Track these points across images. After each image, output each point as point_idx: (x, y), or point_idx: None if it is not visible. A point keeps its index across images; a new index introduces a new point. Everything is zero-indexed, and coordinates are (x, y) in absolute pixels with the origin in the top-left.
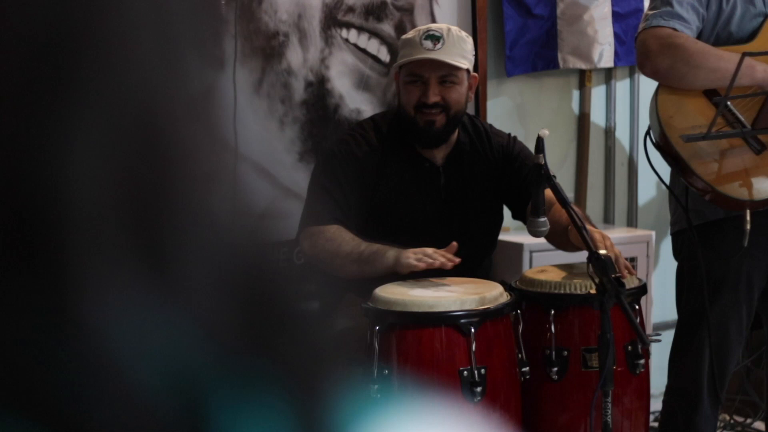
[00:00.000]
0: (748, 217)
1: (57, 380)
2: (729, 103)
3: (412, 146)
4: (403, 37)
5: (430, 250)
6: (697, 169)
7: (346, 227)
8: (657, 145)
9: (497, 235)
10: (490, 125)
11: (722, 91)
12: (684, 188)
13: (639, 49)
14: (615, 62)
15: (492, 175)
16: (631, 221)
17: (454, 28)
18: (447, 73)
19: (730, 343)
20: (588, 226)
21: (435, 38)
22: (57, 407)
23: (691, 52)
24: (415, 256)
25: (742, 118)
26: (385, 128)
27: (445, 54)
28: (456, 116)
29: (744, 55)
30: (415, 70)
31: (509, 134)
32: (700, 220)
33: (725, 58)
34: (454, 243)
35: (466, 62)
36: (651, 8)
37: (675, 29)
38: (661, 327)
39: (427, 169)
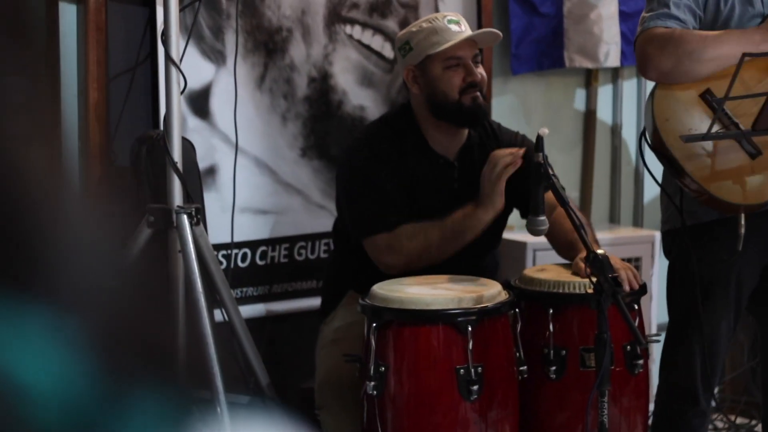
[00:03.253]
0: (743, 221)
1: None
2: (725, 107)
3: (425, 143)
4: (416, 30)
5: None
6: (692, 172)
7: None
8: (652, 147)
9: (503, 229)
10: (498, 123)
11: (721, 78)
12: (678, 188)
13: (639, 54)
14: (622, 62)
15: None
16: (637, 221)
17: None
18: (477, 51)
19: (721, 342)
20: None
21: (456, 22)
22: None
23: (691, 46)
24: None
25: (738, 122)
26: (398, 126)
27: (473, 33)
28: (485, 96)
29: (744, 55)
30: (453, 53)
31: (517, 132)
32: (693, 221)
33: (725, 41)
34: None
35: (500, 36)
36: (647, 10)
37: (671, 28)
38: (664, 327)
39: (441, 164)
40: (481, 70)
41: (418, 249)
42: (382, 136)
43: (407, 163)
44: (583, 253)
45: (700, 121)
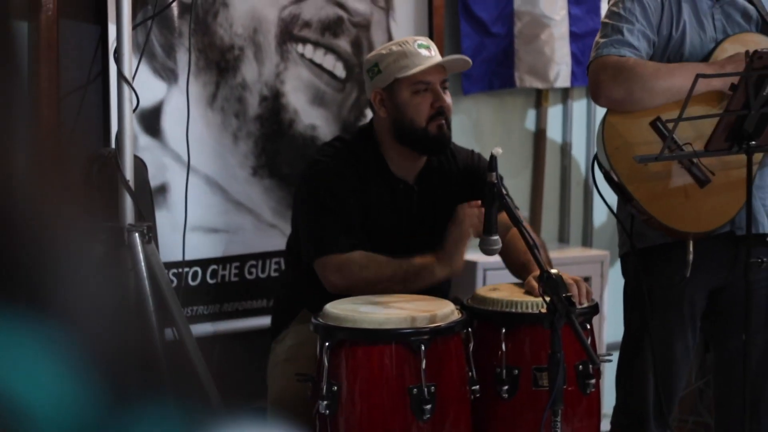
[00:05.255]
0: (691, 248)
1: None
2: (674, 135)
3: (386, 167)
4: (386, 53)
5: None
6: (640, 198)
7: (364, 248)
8: (604, 174)
9: None
10: (453, 143)
11: (672, 108)
12: (629, 213)
13: (591, 80)
14: (572, 82)
15: (459, 191)
16: (586, 241)
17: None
18: (446, 77)
19: (676, 364)
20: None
21: (426, 46)
22: None
23: (642, 77)
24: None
25: (684, 149)
26: (358, 148)
27: (443, 59)
28: (450, 123)
29: (698, 76)
30: (423, 78)
31: (473, 151)
32: (644, 244)
33: (676, 73)
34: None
35: (469, 63)
36: (602, 35)
37: (625, 56)
38: (614, 347)
39: (401, 189)
40: (447, 97)
41: (366, 280)
42: (342, 157)
43: (367, 185)
44: (537, 272)
45: (649, 149)
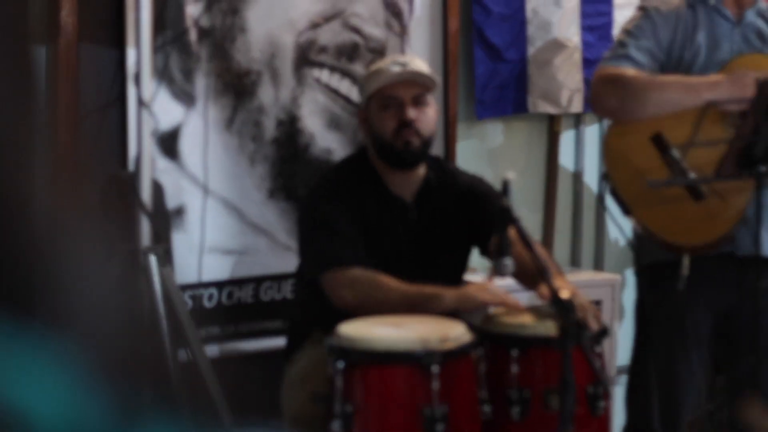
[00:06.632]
0: (686, 262)
1: None
2: (674, 151)
3: (382, 184)
4: (367, 73)
5: (495, 288)
6: (637, 212)
7: (366, 266)
8: (611, 191)
9: (463, 272)
10: (456, 167)
11: (670, 121)
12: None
13: (591, 90)
14: (584, 108)
15: (460, 212)
16: (598, 265)
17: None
18: (420, 92)
19: (681, 388)
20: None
21: (402, 63)
22: None
23: (635, 88)
24: (485, 294)
25: (686, 167)
26: (355, 169)
27: (414, 71)
28: (429, 140)
29: (709, 103)
30: (389, 93)
31: (474, 175)
32: (650, 260)
33: (669, 86)
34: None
35: (434, 81)
36: (610, 50)
37: (623, 67)
38: (626, 370)
39: (398, 206)
40: (422, 112)
41: (373, 301)
42: (340, 178)
43: (365, 204)
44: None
45: (648, 165)
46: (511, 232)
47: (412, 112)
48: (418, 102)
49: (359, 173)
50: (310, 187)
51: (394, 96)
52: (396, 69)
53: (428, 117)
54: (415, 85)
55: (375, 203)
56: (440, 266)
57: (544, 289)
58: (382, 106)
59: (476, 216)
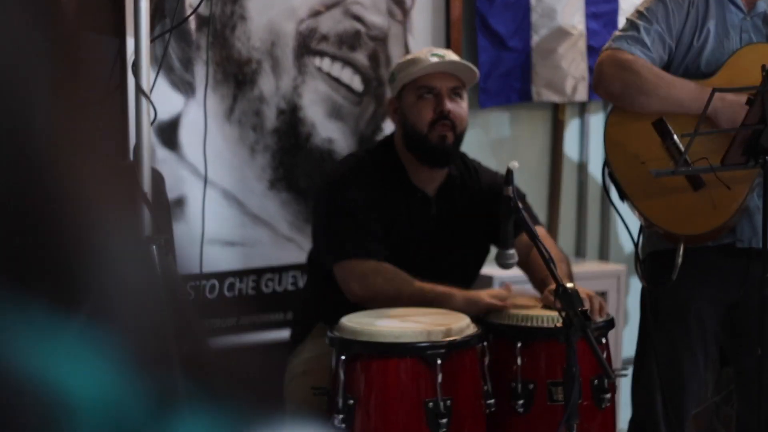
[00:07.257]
0: (681, 251)
1: None
2: (676, 138)
3: (405, 176)
4: (401, 61)
5: (504, 294)
6: (635, 199)
7: (382, 259)
8: (609, 175)
9: (479, 268)
10: (479, 162)
11: (670, 118)
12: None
13: (596, 69)
14: (589, 96)
15: (480, 209)
16: (603, 255)
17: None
18: (457, 84)
19: (685, 381)
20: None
21: (440, 55)
22: None
23: (644, 80)
24: (494, 300)
25: (687, 156)
26: (379, 158)
27: (455, 61)
28: (461, 135)
29: (714, 90)
30: (427, 83)
31: (497, 172)
32: (653, 248)
33: (677, 86)
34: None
35: (474, 73)
36: (621, 29)
37: (634, 55)
38: (631, 362)
39: (419, 199)
40: (458, 106)
41: (386, 295)
42: (362, 167)
43: (386, 195)
44: (553, 286)
45: (647, 151)
46: (541, 231)
47: (449, 104)
48: (455, 94)
49: (384, 163)
50: (330, 171)
51: (432, 86)
52: (434, 59)
53: (464, 111)
54: (453, 77)
55: (397, 195)
56: (456, 261)
57: (549, 297)
58: (419, 96)
59: (495, 214)
